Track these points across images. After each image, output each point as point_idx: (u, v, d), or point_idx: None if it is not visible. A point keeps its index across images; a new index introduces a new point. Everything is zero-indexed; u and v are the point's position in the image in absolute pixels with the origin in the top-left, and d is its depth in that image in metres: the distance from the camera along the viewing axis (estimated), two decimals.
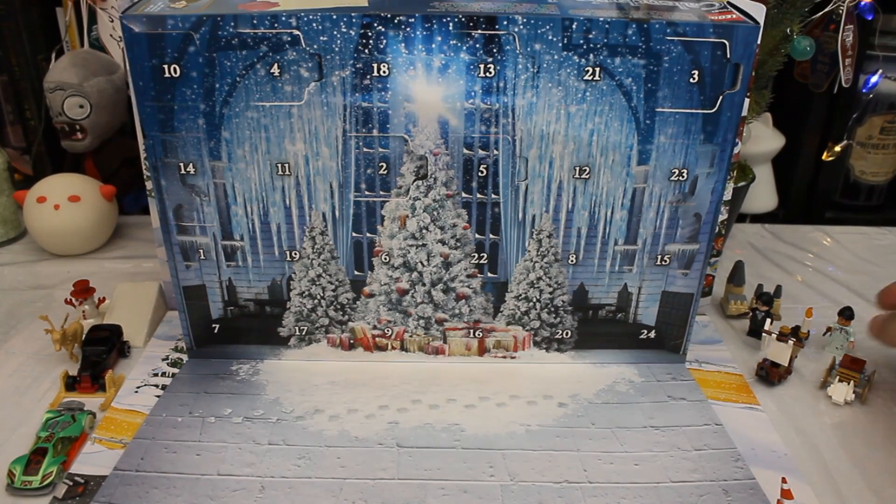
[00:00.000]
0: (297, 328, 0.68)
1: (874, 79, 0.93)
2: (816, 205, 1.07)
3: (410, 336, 0.69)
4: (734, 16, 0.57)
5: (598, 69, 0.57)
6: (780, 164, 0.99)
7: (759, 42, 0.57)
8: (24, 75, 0.96)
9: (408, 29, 0.55)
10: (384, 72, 0.57)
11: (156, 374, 0.67)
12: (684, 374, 0.69)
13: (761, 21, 0.57)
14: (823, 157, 0.98)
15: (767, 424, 0.62)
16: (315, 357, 0.69)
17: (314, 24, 0.55)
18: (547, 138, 0.60)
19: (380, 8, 0.56)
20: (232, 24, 0.55)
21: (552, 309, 0.67)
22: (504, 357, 0.70)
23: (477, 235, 0.65)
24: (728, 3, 0.60)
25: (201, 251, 0.64)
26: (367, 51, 0.56)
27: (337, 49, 0.56)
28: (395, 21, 0.55)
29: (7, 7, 0.91)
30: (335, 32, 0.56)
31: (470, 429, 0.61)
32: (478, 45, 0.56)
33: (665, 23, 0.55)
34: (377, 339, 0.69)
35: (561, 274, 0.66)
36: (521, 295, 0.67)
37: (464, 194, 0.63)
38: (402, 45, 0.56)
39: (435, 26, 0.55)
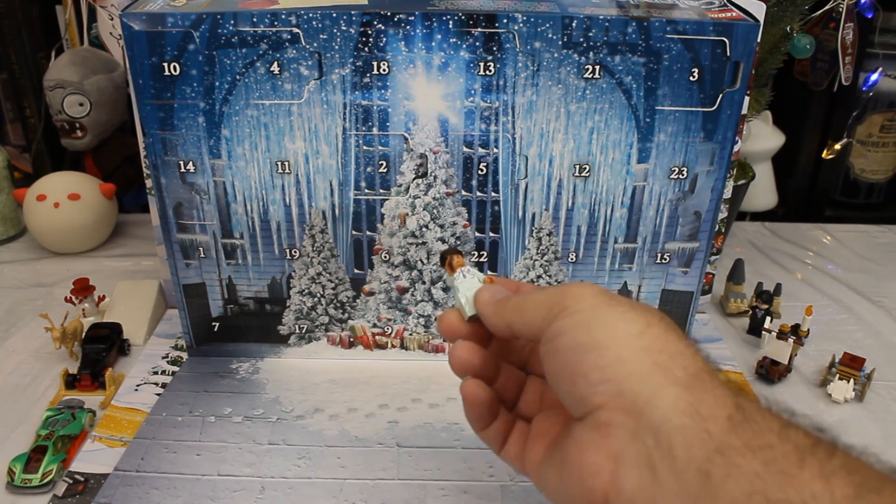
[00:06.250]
0: (297, 326, 0.68)
1: (874, 77, 0.93)
2: (816, 203, 1.07)
3: (410, 334, 0.69)
4: (734, 14, 0.57)
5: (597, 67, 0.57)
6: (780, 163, 0.99)
7: (758, 40, 0.57)
8: (23, 73, 0.95)
9: (408, 27, 0.55)
10: (384, 70, 0.57)
11: (156, 373, 0.67)
12: None
13: (761, 19, 0.57)
14: (823, 156, 0.97)
15: None
16: (315, 355, 0.69)
17: (314, 23, 0.55)
18: (547, 136, 0.60)
19: (380, 6, 0.56)
20: (232, 22, 0.55)
21: None
22: None
23: (477, 234, 0.65)
24: (728, 0, 0.60)
25: (201, 249, 0.64)
26: (366, 49, 0.56)
27: (337, 47, 0.56)
28: (395, 19, 0.55)
29: (7, 4, 0.91)
30: (335, 30, 0.56)
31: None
32: (478, 43, 0.56)
33: (665, 21, 0.55)
34: (377, 337, 0.69)
35: (561, 272, 0.66)
36: None
37: (464, 192, 0.63)
38: (402, 43, 0.56)
39: (435, 24, 0.55)
